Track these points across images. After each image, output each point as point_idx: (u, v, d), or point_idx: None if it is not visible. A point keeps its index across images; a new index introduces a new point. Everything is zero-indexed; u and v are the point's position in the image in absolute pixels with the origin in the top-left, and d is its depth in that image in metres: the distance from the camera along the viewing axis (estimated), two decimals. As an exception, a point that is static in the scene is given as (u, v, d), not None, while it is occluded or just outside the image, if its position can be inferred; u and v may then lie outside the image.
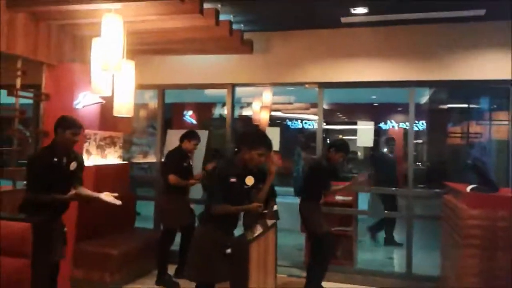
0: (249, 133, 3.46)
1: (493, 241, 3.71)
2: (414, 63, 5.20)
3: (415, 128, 13.60)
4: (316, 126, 5.76)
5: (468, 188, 4.39)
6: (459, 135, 7.87)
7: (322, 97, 5.57)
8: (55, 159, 3.46)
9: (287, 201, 6.06)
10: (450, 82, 5.22)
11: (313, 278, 4.64)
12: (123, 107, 3.89)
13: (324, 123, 17.70)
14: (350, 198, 5.72)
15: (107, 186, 5.38)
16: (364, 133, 5.04)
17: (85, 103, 4.73)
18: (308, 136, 13.87)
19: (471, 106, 8.23)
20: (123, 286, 4.92)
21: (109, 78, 3.85)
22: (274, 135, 5.96)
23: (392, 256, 6.60)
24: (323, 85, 5.55)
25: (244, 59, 5.69)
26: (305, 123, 15.81)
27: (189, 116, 10.18)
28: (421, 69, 5.17)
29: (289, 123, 15.33)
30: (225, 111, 13.38)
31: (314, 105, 15.22)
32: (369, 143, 5.26)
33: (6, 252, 2.67)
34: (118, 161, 5.87)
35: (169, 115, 9.20)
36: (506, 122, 6.84)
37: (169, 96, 6.44)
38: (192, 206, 5.56)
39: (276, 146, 5.96)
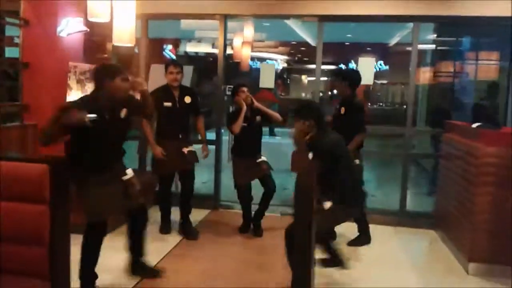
0: None
1: (508, 178, 3.72)
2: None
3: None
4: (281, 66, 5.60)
5: (474, 126, 4.39)
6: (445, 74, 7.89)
7: (322, 32, 5.25)
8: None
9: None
10: (453, 17, 5.05)
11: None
12: (124, 35, 3.46)
13: (285, 63, 17.44)
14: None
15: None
16: (365, 70, 4.84)
17: (69, 30, 4.20)
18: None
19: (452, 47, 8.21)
20: (121, 226, 4.68)
21: (107, 2, 3.38)
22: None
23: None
24: (323, 19, 5.22)
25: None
26: (264, 63, 15.44)
27: (169, 51, 9.59)
28: (424, 4, 4.96)
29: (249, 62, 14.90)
30: (189, 47, 12.89)
31: (284, 44, 14.86)
32: (370, 80, 5.09)
33: (22, 198, 2.34)
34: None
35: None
36: (494, 62, 6.92)
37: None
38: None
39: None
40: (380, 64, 14.23)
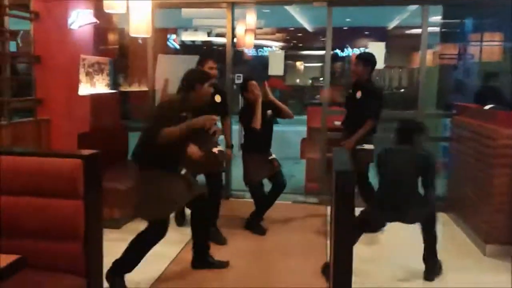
0: None
1: (526, 160, 3.75)
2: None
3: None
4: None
5: (487, 108, 4.41)
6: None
7: (331, 17, 5.21)
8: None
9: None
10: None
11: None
12: (141, 26, 3.42)
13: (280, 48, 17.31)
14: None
15: (101, 117, 4.98)
16: (375, 53, 4.82)
17: (80, 23, 4.15)
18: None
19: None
20: (133, 219, 4.68)
21: (123, -8, 3.33)
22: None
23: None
24: (332, 3, 5.18)
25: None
26: (260, 50, 15.34)
27: (173, 41, 9.50)
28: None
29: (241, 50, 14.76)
30: (185, 37, 12.79)
31: (280, 30, 14.76)
32: (380, 64, 5.08)
33: (56, 193, 2.32)
34: (107, 90, 5.37)
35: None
36: (497, 43, 6.93)
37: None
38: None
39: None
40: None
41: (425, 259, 3.51)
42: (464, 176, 4.57)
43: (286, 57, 5.90)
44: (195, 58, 6.02)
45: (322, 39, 15.82)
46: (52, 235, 2.36)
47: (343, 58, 14.75)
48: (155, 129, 2.99)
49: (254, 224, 4.48)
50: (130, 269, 3.19)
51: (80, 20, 4.15)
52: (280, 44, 16.29)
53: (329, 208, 4.94)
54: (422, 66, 5.17)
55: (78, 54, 4.24)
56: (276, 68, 5.48)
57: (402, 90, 13.63)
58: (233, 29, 5.52)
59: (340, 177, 1.92)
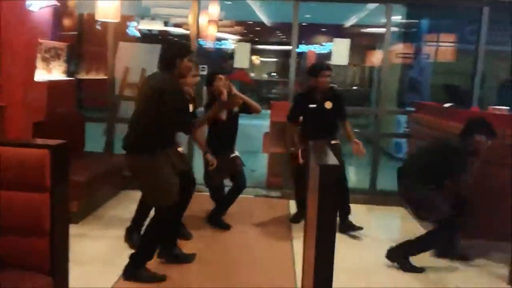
0: None
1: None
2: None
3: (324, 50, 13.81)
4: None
5: (446, 106, 4.56)
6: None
7: (297, 12, 5.21)
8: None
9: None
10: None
11: None
12: (109, 9, 3.25)
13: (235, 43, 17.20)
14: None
15: (58, 106, 4.76)
16: (340, 50, 4.88)
17: (40, 4, 3.91)
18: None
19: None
20: (92, 212, 4.52)
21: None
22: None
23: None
24: (300, -2, 5.17)
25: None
26: (217, 43, 15.16)
27: (134, 29, 9.16)
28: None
29: (201, 42, 14.51)
30: (142, 25, 12.43)
31: (239, 24, 14.66)
32: (345, 61, 5.15)
33: (21, 185, 2.17)
34: (63, 76, 5.12)
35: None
36: (450, 44, 7.19)
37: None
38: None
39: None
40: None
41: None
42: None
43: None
44: (157, 47, 5.90)
45: (279, 34, 15.93)
46: (16, 231, 2.22)
47: (299, 54, 14.86)
48: (186, 118, 3.12)
49: (217, 220, 4.41)
50: (150, 258, 3.21)
51: (40, 1, 3.91)
52: (238, 37, 16.20)
53: (292, 202, 4.98)
54: (384, 64, 5.28)
55: (36, 38, 4.01)
56: (242, 60, 5.42)
57: (355, 87, 13.94)
58: (198, 20, 5.39)
59: (325, 171, 1.90)
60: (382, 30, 5.28)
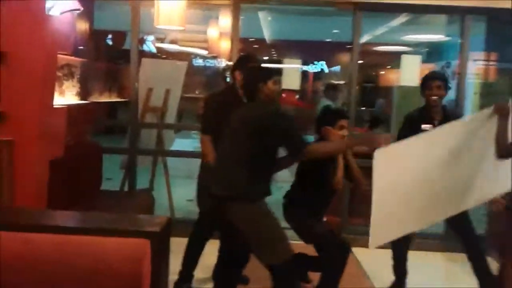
0: None
1: None
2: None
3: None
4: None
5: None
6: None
7: (360, 25, 4.39)
8: None
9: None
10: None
11: None
12: (173, 15, 2.39)
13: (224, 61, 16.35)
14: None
15: (76, 136, 3.85)
16: (290, 74, 4.21)
17: (61, 8, 2.98)
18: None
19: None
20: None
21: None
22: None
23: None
24: (361, 7, 4.33)
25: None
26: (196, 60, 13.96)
27: (151, 44, 8.21)
28: None
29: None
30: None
31: (241, 40, 13.97)
32: (296, 85, 4.51)
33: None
34: (77, 100, 4.19)
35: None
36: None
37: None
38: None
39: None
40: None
41: None
42: None
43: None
44: (184, 65, 5.04)
45: (273, 52, 15.08)
46: None
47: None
48: (301, 137, 2.59)
49: None
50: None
51: (61, 4, 2.98)
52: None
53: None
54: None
55: (55, 52, 3.08)
56: (291, 81, 4.49)
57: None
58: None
59: None
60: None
